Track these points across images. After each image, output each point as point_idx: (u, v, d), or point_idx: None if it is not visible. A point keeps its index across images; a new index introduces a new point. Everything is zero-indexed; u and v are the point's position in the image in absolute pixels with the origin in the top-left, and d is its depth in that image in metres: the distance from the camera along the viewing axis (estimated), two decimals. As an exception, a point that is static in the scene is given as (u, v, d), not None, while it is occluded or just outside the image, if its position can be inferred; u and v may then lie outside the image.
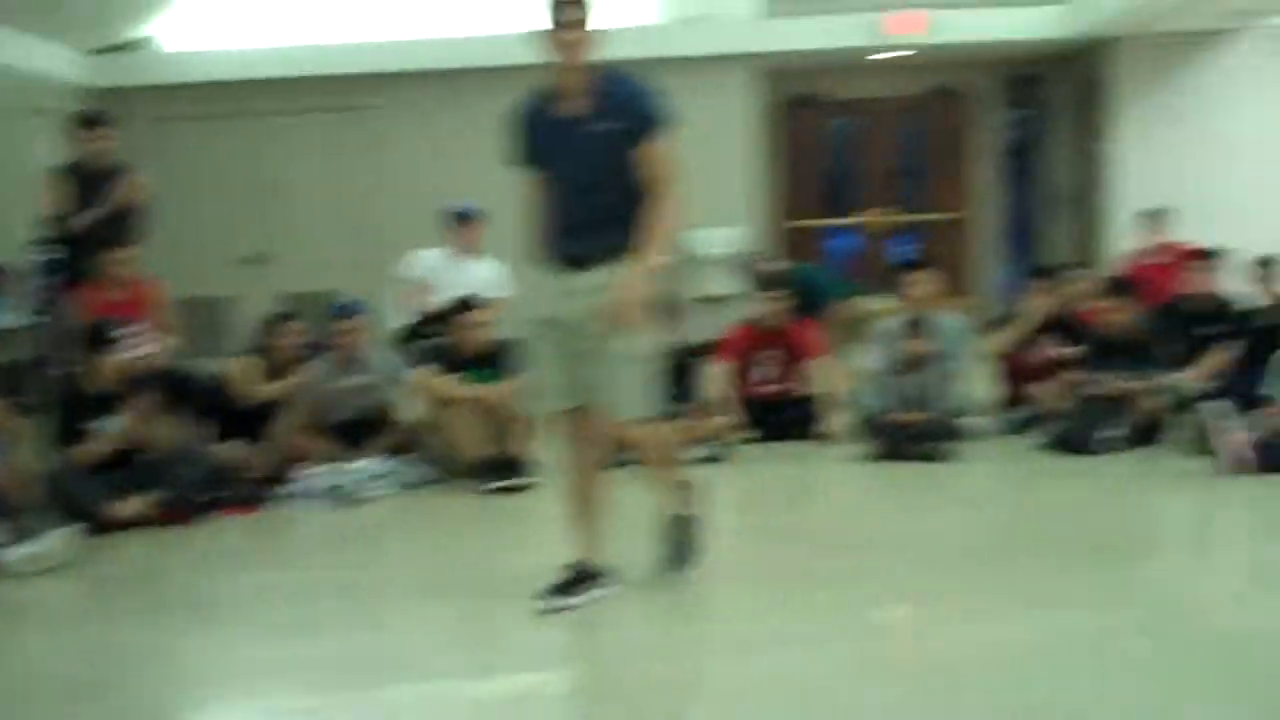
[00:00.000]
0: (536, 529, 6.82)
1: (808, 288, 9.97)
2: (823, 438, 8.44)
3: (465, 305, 7.93)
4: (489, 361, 7.79)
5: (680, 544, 5.39)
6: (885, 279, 10.29)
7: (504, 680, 4.40)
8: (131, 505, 6.74)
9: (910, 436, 7.70)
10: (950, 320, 8.59)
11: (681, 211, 4.88)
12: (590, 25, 4.89)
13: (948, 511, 6.88)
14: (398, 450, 7.72)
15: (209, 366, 8.24)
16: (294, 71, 13.70)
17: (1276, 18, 13.42)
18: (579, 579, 5.14)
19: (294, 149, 14.17)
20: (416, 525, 6.96)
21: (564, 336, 4.95)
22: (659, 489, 5.30)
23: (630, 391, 4.90)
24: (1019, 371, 8.47)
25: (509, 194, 12.26)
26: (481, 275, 8.92)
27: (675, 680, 4.36)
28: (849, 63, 15.19)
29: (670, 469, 5.31)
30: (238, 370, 7.80)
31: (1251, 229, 12.12)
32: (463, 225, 9.15)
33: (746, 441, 8.33)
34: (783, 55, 14.37)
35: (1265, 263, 8.19)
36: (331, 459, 7.52)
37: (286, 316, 8.09)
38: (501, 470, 7.33)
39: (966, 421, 8.06)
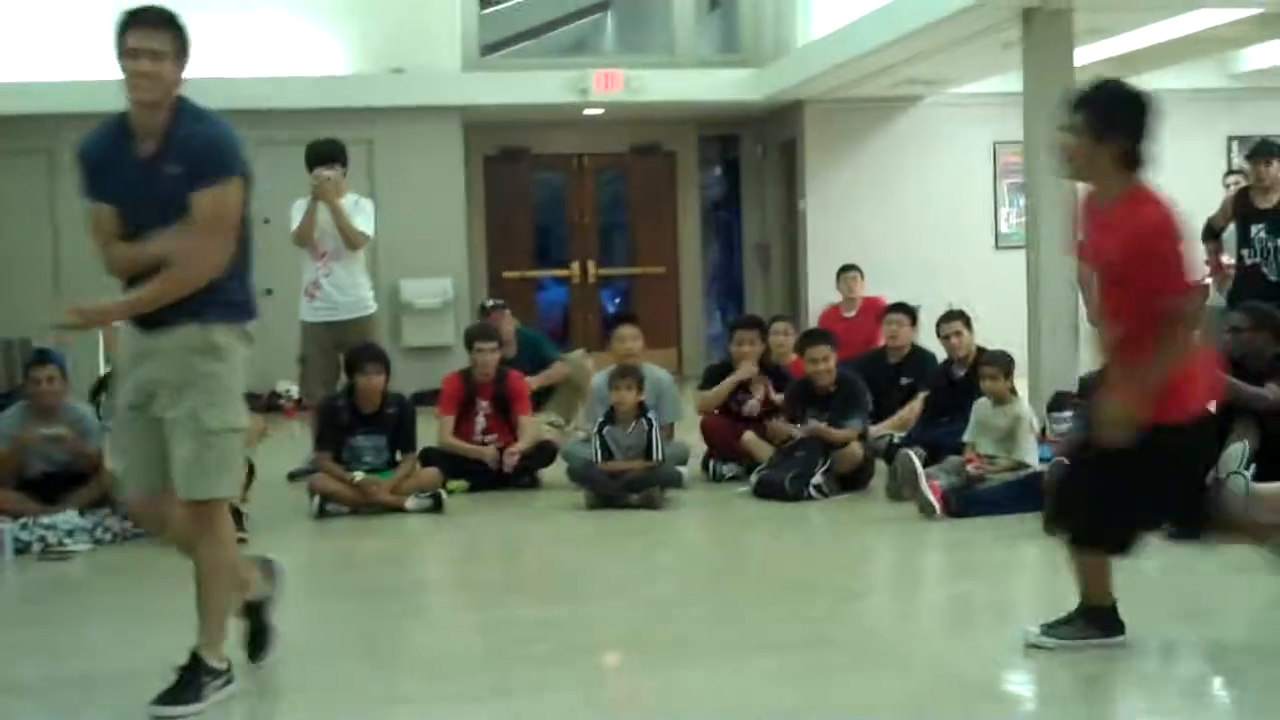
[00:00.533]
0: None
1: (533, 348, 10.09)
2: (538, 487, 8.52)
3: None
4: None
5: (257, 631, 4.81)
6: (600, 332, 10.47)
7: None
8: None
9: (624, 485, 7.81)
10: (658, 371, 8.78)
11: (201, 265, 4.26)
12: (169, 57, 4.32)
13: (661, 557, 7.02)
14: (100, 503, 7.40)
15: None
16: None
17: (951, 87, 14.21)
18: (195, 677, 4.43)
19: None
20: (120, 580, 6.68)
21: (137, 404, 4.42)
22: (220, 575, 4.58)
23: (200, 468, 4.33)
24: (724, 421, 8.68)
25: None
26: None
27: None
28: (555, 118, 15.40)
29: (230, 555, 4.63)
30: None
31: (932, 284, 12.79)
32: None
33: (462, 492, 8.30)
34: (489, 109, 14.47)
35: (951, 317, 8.67)
36: (28, 511, 7.15)
37: None
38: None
39: (678, 470, 8.22)
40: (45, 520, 7.11)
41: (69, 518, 7.16)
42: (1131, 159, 4.36)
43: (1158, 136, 4.38)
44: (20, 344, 12.33)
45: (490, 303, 10.74)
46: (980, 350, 8.34)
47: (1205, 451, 5.03)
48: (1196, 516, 4.79)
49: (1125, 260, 4.32)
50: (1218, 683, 4.70)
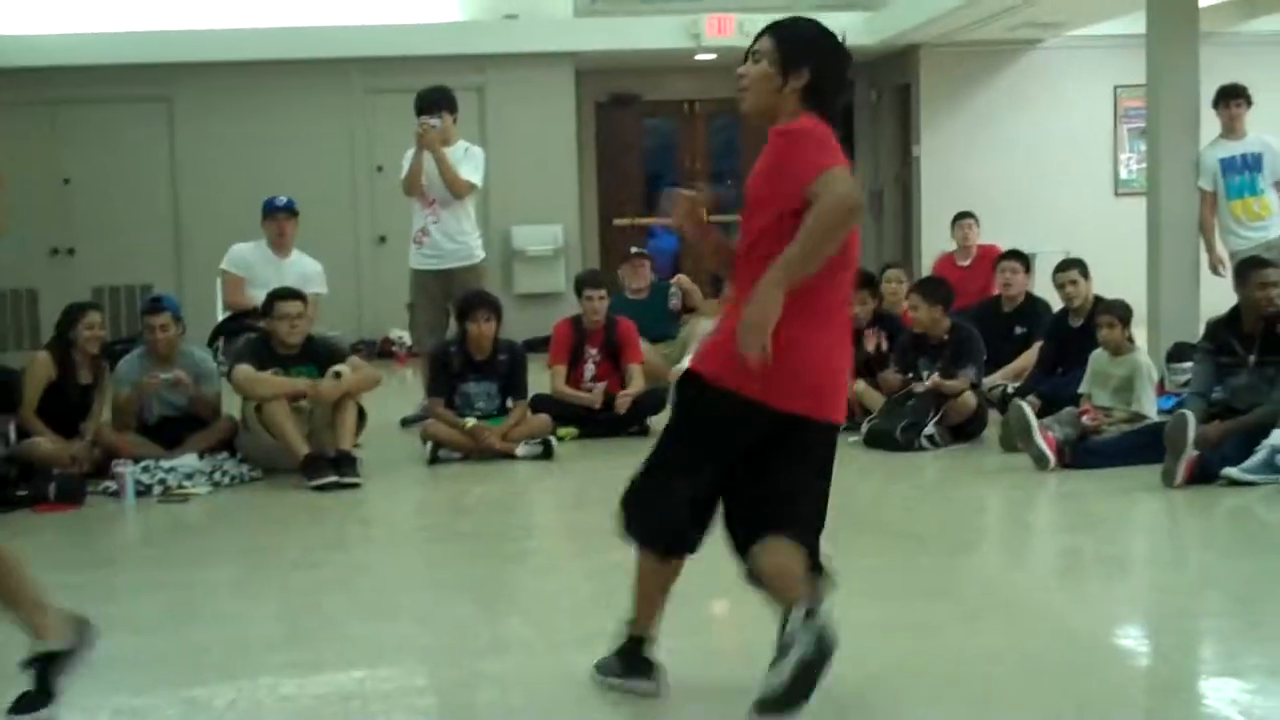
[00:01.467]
0: (359, 527, 6.78)
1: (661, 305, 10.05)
2: (646, 434, 8.53)
3: (283, 295, 7.78)
4: (307, 357, 7.67)
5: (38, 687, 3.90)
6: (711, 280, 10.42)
7: (328, 678, 4.33)
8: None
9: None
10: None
11: None
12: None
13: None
14: (218, 447, 7.56)
15: (15, 360, 7.95)
16: (87, 59, 13.30)
17: (1071, 29, 13.91)
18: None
19: (90, 139, 13.75)
20: (238, 522, 6.83)
21: None
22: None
23: None
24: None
25: (324, 188, 12.12)
26: (299, 270, 8.78)
27: (517, 672, 4.34)
28: (666, 64, 15.33)
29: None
30: (35, 366, 7.55)
31: (1050, 232, 12.58)
32: (275, 219, 8.98)
33: (572, 438, 8.35)
34: (601, 55, 14.44)
35: (1067, 265, 8.53)
36: (149, 455, 7.33)
37: (86, 307, 7.80)
38: (328, 466, 7.21)
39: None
40: (166, 464, 7.27)
41: (189, 461, 7.32)
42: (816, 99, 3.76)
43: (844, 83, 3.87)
44: (141, 290, 12.62)
45: (635, 250, 10.69)
46: (1097, 299, 8.18)
47: None
48: None
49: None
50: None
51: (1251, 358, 6.88)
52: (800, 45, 3.81)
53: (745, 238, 3.80)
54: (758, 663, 3.62)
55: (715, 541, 3.99)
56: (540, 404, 8.34)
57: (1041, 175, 14.13)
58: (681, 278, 10.35)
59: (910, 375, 8.12)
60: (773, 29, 3.87)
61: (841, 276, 3.76)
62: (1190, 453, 6.47)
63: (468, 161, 8.95)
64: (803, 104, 3.77)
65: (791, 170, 3.63)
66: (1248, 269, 7.10)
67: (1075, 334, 8.22)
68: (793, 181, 3.59)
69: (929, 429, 7.78)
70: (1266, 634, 4.58)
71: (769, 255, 3.57)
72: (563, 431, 8.26)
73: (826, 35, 3.84)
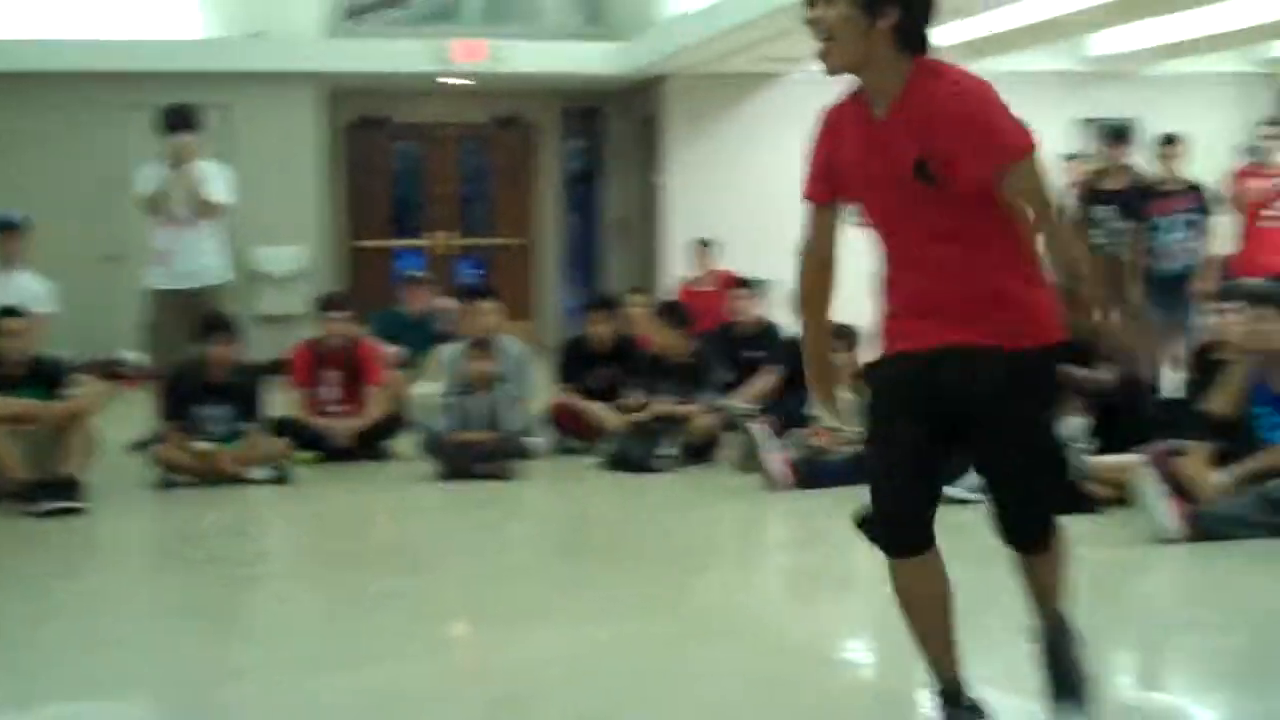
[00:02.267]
0: (84, 554, 6.55)
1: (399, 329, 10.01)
2: (387, 458, 8.47)
3: (5, 313, 7.48)
4: (33, 378, 7.39)
5: None
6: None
7: (50, 711, 4.22)
8: None
9: (475, 456, 7.79)
10: (512, 343, 8.75)
11: None
12: None
13: (510, 528, 7.02)
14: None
15: None
16: None
17: (813, 64, 14.31)
18: None
19: None
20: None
21: None
22: None
23: None
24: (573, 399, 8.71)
25: (61, 203, 11.65)
26: (24, 288, 8.45)
27: (250, 699, 4.26)
28: (415, 87, 15.26)
29: None
30: None
31: (789, 259, 12.89)
32: (1, 236, 8.63)
33: (311, 463, 8.23)
34: (348, 76, 14.29)
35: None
36: None
37: None
38: (52, 491, 6.95)
39: (530, 441, 8.23)
40: None
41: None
42: (909, 37, 3.32)
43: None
44: None
45: (410, 273, 10.63)
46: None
47: None
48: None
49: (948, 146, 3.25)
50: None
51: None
52: None
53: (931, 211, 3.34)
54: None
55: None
56: (278, 428, 8.20)
57: (780, 204, 14.44)
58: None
59: (650, 398, 8.25)
60: None
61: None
62: None
63: (216, 181, 8.73)
64: (898, 48, 3.29)
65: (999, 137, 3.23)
66: None
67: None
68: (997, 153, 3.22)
69: (667, 450, 7.91)
70: (987, 644, 4.76)
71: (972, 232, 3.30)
72: (301, 456, 8.13)
73: None
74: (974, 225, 3.33)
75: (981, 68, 13.85)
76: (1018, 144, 3.25)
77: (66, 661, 4.65)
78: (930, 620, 3.65)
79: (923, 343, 3.42)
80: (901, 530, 3.59)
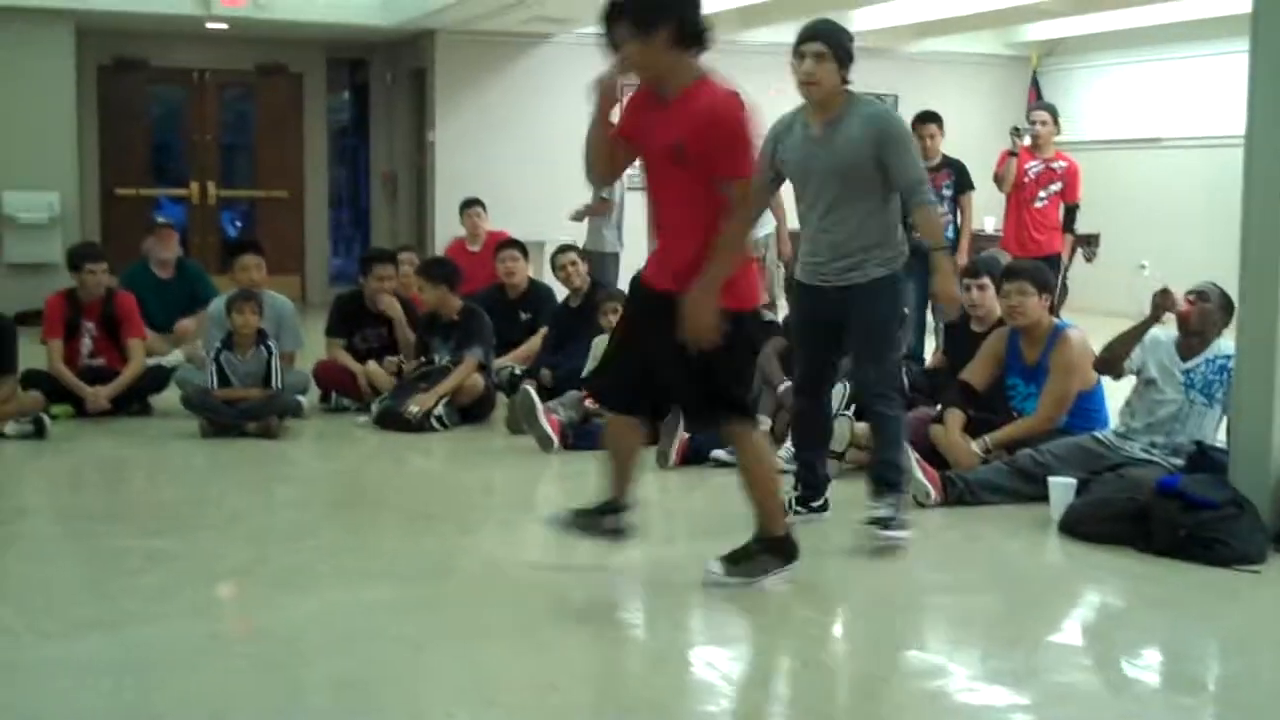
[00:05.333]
0: None
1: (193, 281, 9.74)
2: (149, 414, 8.26)
3: None
4: None
5: None
6: (219, 255, 10.19)
7: None
8: None
9: (241, 413, 7.65)
10: (279, 299, 8.62)
11: None
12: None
13: (278, 488, 6.92)
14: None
15: None
16: None
17: (584, 27, 14.38)
18: None
19: None
20: None
21: None
22: None
23: None
24: (349, 352, 8.63)
25: None
26: None
27: (2, 661, 4.13)
28: (176, 29, 14.79)
29: None
30: None
31: (558, 221, 12.91)
32: None
33: (68, 417, 7.96)
34: (103, 14, 13.75)
35: (566, 249, 8.85)
36: None
37: None
38: None
39: (297, 399, 8.11)
40: None
41: None
42: (685, 39, 4.55)
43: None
44: None
45: (161, 220, 10.23)
46: (596, 284, 8.58)
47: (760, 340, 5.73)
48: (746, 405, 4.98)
49: (698, 143, 4.50)
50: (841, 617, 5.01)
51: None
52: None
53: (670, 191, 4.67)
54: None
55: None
56: (33, 380, 7.90)
57: (550, 166, 14.47)
58: None
59: (422, 356, 8.23)
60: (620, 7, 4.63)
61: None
62: (681, 435, 6.88)
63: None
64: (679, 50, 4.59)
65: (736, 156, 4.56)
66: None
67: (577, 314, 8.57)
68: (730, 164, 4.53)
69: (438, 409, 7.90)
70: (743, 607, 4.93)
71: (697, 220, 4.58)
72: (57, 409, 7.86)
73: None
74: (700, 204, 4.57)
75: (742, 40, 14.25)
76: (743, 170, 4.57)
77: None
78: (620, 458, 4.98)
79: (658, 283, 4.72)
80: (616, 395, 4.96)
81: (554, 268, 8.93)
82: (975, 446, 6.36)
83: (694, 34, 4.55)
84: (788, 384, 6.93)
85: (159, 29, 14.74)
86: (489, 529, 6.17)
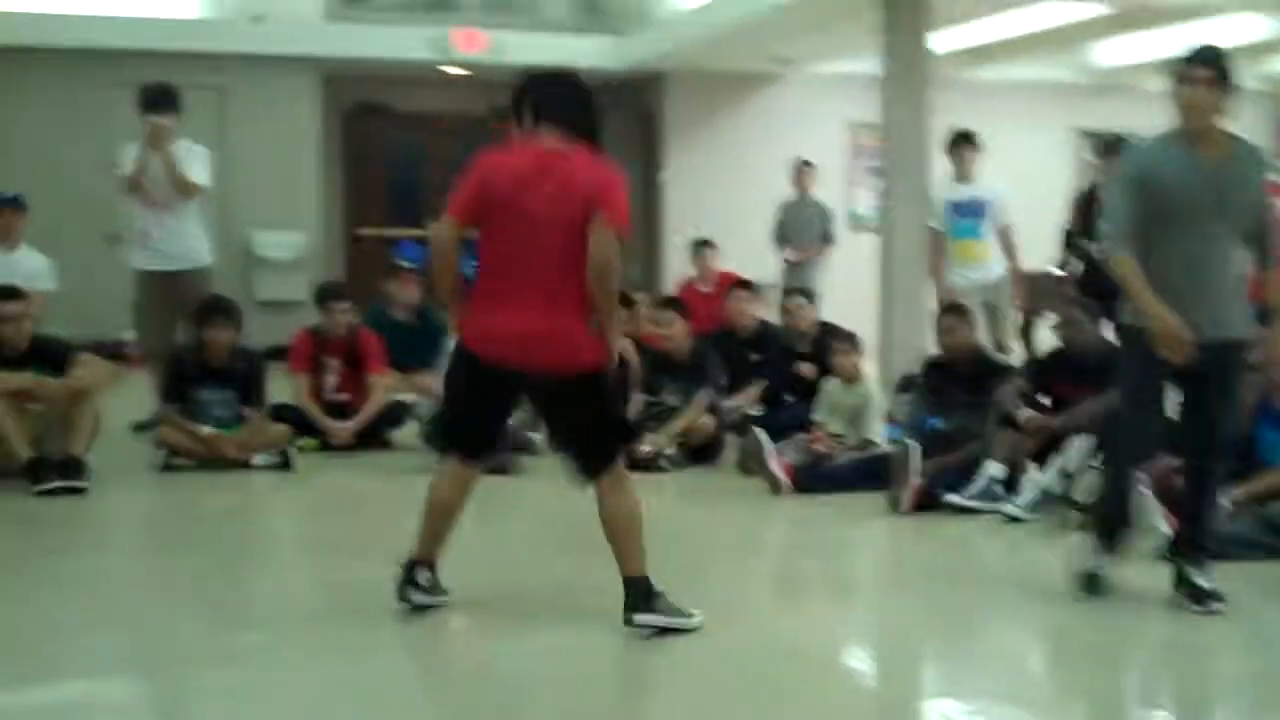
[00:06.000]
0: (85, 534, 6.54)
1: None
2: (390, 448, 8.48)
3: (3, 296, 7.46)
4: (35, 358, 7.37)
5: None
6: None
7: (49, 689, 4.18)
8: None
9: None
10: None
11: None
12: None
13: (509, 523, 7.01)
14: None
15: None
16: None
17: (813, 66, 14.38)
18: None
19: None
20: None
21: None
22: None
23: None
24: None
25: (56, 182, 11.59)
26: (26, 266, 8.44)
27: (249, 683, 4.26)
28: (414, 75, 15.24)
29: None
30: None
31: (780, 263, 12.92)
32: (1, 214, 8.61)
33: (313, 450, 8.22)
34: (347, 62, 14.26)
35: (797, 294, 8.84)
36: None
37: None
38: (54, 470, 6.94)
39: (530, 435, 8.23)
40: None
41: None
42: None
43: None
44: None
45: (402, 262, 10.49)
46: (825, 326, 8.51)
47: None
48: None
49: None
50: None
51: (962, 395, 7.27)
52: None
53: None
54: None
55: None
56: (280, 414, 8.19)
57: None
58: None
59: (653, 396, 8.28)
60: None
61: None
62: (915, 481, 6.76)
63: (194, 161, 8.71)
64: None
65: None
66: (939, 315, 7.68)
67: (803, 359, 8.52)
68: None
69: (669, 450, 7.93)
70: (984, 658, 4.83)
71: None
72: (303, 443, 8.14)
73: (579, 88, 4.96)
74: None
75: (979, 77, 14.07)
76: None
77: (65, 640, 4.66)
78: (443, 515, 4.97)
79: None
80: (469, 445, 4.96)
81: (782, 311, 8.90)
82: (1224, 500, 6.10)
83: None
84: (1029, 412, 6.85)
85: (400, 75, 15.22)
86: (717, 571, 6.14)
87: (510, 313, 4.67)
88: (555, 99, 4.83)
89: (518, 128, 4.81)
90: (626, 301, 9.09)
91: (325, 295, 8.81)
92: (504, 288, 4.70)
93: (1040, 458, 6.81)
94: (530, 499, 7.56)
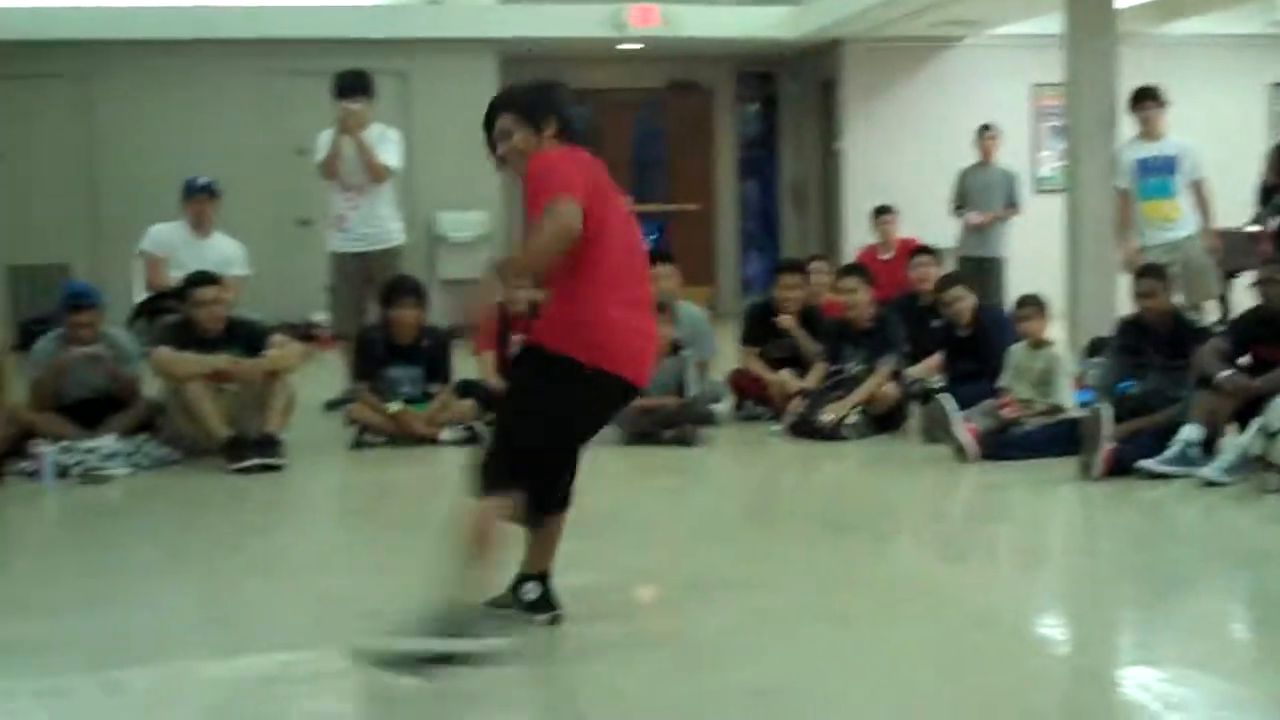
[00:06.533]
0: (282, 510, 6.73)
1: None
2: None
3: (199, 281, 7.70)
4: (230, 340, 7.61)
5: None
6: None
7: (250, 660, 4.30)
8: None
9: (657, 422, 7.81)
10: (692, 308, 8.76)
11: None
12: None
13: (692, 494, 7.04)
14: (139, 429, 7.47)
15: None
16: (4, 35, 13.03)
17: (994, 28, 14.08)
18: None
19: (7, 116, 13.51)
20: (159, 504, 6.77)
21: None
22: None
23: None
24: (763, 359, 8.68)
25: (246, 169, 11.93)
26: (219, 252, 8.71)
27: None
28: (590, 52, 15.31)
29: None
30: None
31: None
32: (196, 200, 8.90)
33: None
34: (524, 42, 14.39)
35: (977, 263, 8.69)
36: (68, 436, 7.23)
37: None
38: (251, 449, 7.15)
39: (711, 407, 8.23)
40: (85, 444, 7.17)
41: (109, 442, 7.23)
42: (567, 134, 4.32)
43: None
44: (58, 270, 12.44)
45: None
46: (980, 308, 8.29)
47: None
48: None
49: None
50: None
51: (1159, 358, 7.05)
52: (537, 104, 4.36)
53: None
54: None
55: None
56: (467, 390, 8.32)
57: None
58: None
59: (835, 364, 8.21)
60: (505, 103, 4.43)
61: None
62: (1107, 445, 6.59)
63: (386, 145, 8.92)
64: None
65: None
66: (1136, 277, 7.41)
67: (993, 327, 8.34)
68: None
69: (851, 419, 7.86)
70: (1181, 625, 4.69)
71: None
72: (490, 418, 8.23)
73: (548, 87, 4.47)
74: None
75: (1168, 32, 13.68)
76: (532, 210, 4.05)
77: (268, 614, 4.79)
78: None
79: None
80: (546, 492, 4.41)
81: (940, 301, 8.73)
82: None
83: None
84: (1229, 371, 6.60)
85: (575, 52, 15.30)
86: (903, 540, 6.08)
87: (640, 318, 4.26)
88: (569, 105, 4.44)
89: (534, 136, 4.29)
90: (796, 268, 9.05)
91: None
92: (625, 293, 4.21)
93: (1239, 419, 6.60)
94: (712, 470, 7.58)
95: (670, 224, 16.24)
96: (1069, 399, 7.48)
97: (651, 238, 16.04)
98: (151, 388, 7.77)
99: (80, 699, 3.99)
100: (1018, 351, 7.62)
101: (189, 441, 7.43)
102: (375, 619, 4.70)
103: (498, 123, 4.36)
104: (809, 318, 8.69)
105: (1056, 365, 7.53)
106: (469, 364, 8.61)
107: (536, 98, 4.39)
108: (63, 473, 7.00)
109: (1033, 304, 7.65)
